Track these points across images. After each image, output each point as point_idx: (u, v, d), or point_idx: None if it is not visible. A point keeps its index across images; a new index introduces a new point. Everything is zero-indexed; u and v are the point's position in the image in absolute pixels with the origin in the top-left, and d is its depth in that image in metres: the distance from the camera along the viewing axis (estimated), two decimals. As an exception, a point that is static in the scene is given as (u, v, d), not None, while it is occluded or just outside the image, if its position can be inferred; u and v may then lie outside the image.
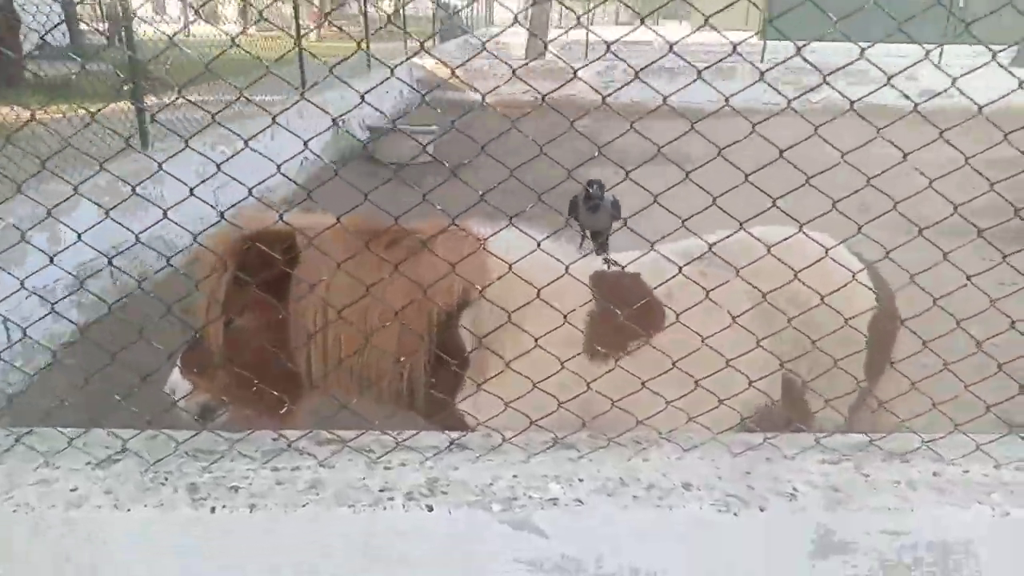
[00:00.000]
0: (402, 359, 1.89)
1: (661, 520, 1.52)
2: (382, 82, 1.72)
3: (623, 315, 1.80)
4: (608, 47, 1.43)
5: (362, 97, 1.49)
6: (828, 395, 1.99)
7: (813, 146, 1.51)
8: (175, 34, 3.57)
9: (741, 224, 1.67)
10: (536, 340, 1.68)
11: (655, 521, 1.53)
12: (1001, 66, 1.58)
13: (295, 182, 2.08)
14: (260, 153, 1.45)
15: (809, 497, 1.56)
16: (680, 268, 1.71)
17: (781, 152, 1.45)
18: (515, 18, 1.44)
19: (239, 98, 1.43)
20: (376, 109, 11.22)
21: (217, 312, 1.83)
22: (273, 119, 1.46)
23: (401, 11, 14.88)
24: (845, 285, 1.84)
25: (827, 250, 1.79)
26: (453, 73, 1.45)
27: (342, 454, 1.67)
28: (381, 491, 1.57)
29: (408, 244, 1.90)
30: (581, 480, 1.62)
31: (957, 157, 1.61)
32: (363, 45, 1.49)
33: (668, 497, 1.56)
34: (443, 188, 1.44)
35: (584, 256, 2.02)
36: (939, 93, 1.65)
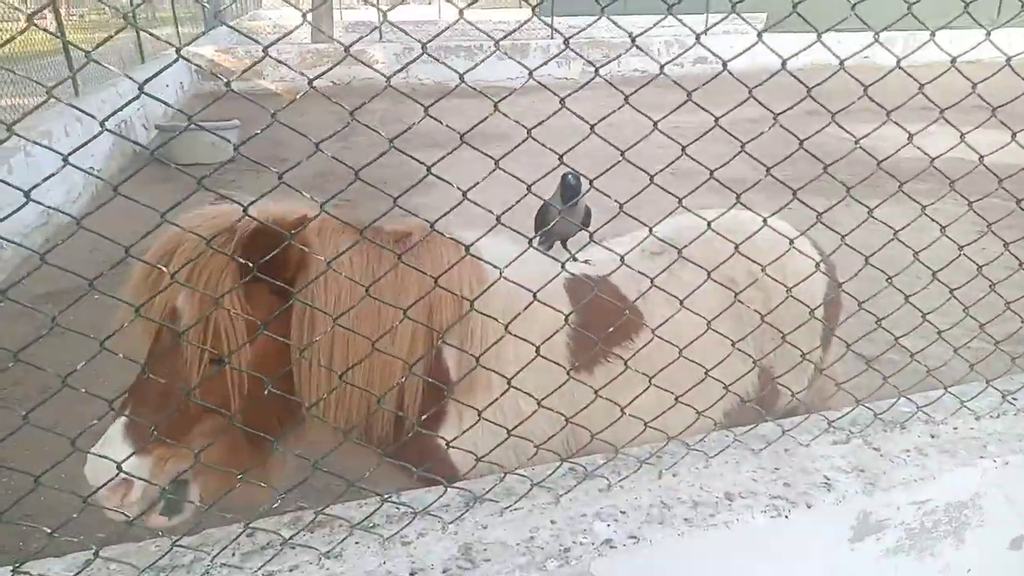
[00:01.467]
0: (405, 373, 1.59)
1: (723, 540, 1.43)
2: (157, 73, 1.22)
3: (609, 323, 1.70)
4: (424, 47, 1.23)
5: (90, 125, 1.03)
6: (791, 370, 2.03)
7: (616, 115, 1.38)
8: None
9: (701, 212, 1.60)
10: (537, 347, 1.50)
11: (717, 542, 1.43)
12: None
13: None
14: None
15: (845, 484, 1.55)
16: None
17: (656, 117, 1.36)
18: (304, 17, 1.22)
19: None
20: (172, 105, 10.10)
21: (232, 332, 1.37)
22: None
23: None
24: (810, 275, 1.90)
25: (791, 241, 1.79)
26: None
27: (350, 537, 1.38)
28: (412, 575, 1.32)
29: (410, 246, 1.63)
30: (624, 512, 1.48)
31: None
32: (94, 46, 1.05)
33: (718, 512, 1.47)
34: (256, 187, 1.12)
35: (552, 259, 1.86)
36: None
